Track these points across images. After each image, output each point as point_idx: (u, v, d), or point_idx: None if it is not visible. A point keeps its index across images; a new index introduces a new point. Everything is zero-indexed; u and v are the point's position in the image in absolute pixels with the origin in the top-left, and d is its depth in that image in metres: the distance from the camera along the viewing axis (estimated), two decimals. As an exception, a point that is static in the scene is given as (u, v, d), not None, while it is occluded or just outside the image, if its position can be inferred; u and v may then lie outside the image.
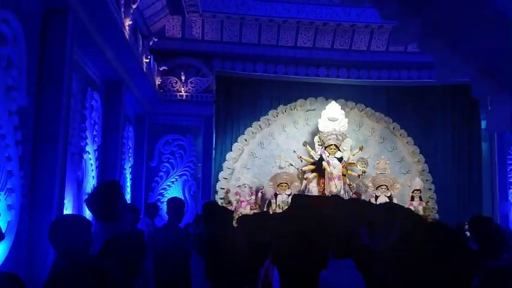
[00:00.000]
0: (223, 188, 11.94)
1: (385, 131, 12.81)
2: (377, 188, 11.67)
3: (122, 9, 7.55)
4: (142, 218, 7.98)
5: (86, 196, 3.53)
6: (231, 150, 12.26)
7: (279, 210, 10.71)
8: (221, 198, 11.77)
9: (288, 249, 2.06)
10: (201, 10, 11.06)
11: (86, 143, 7.35)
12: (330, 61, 12.27)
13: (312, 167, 11.91)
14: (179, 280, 4.80)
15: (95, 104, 7.81)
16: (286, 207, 9.52)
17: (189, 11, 11.07)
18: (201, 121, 11.63)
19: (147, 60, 9.79)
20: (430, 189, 12.50)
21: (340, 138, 11.86)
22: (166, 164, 11.48)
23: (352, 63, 12.31)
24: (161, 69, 11.31)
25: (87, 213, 4.85)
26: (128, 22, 7.82)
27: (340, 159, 11.62)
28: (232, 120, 12.48)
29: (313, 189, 11.68)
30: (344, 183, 11.54)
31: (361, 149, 12.00)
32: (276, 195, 11.49)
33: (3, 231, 4.44)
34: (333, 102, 12.25)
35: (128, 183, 10.42)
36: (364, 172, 11.95)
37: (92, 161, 7.67)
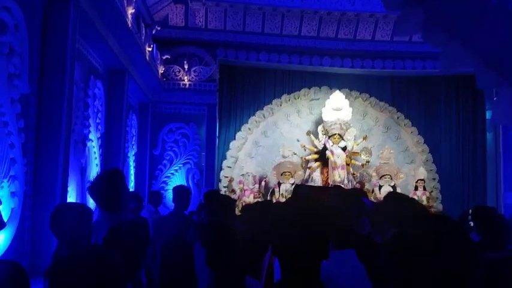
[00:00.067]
0: (226, 177, 11.95)
1: (389, 121, 12.77)
2: (381, 177, 11.65)
3: (125, -3, 7.51)
4: (146, 206, 8.00)
5: (89, 184, 3.53)
6: (235, 139, 12.25)
7: (282, 199, 10.72)
8: (225, 187, 11.80)
9: (288, 240, 2.04)
10: (204, -2, 11.00)
11: (89, 131, 7.36)
12: (334, 50, 12.19)
13: (316, 156, 11.90)
14: (183, 269, 4.81)
15: (98, 92, 7.80)
16: (290, 196, 9.53)
17: (193, 0, 11.01)
18: (205, 110, 11.61)
19: (150, 49, 9.76)
20: (434, 179, 12.48)
21: (344, 128, 11.82)
22: (170, 152, 11.49)
23: (357, 52, 12.23)
24: (164, 57, 11.28)
25: (91, 201, 4.86)
26: (130, 10, 7.78)
27: (344, 149, 11.60)
28: (236, 109, 12.45)
29: (317, 179, 11.68)
30: (348, 173, 11.52)
31: (365, 138, 11.97)
32: (279, 184, 11.50)
33: (6, 219, 4.46)
34: (337, 91, 12.20)
35: (132, 171, 10.44)
36: (368, 162, 11.93)
37: (95, 149, 7.68)
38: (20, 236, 4.77)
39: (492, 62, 2.65)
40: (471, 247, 2.19)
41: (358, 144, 11.96)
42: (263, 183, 11.68)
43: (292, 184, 11.37)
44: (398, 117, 12.75)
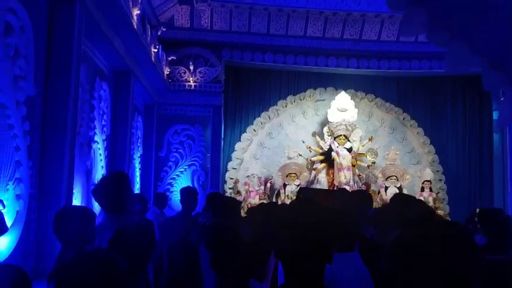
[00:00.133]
0: (232, 178, 11.95)
1: (395, 122, 12.72)
2: (387, 178, 11.61)
3: (130, -1, 7.52)
4: (151, 208, 8.01)
5: (93, 187, 3.53)
6: (240, 141, 12.24)
7: (287, 201, 10.70)
8: (230, 188, 11.80)
9: (291, 244, 2.04)
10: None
11: (95, 133, 7.37)
12: (339, 51, 12.16)
13: (321, 157, 11.87)
14: (189, 270, 4.81)
15: (104, 94, 7.82)
16: (295, 197, 9.52)
17: (198, 1, 11.02)
18: (210, 111, 11.61)
19: (156, 50, 9.77)
20: (440, 180, 12.41)
21: (350, 129, 11.79)
22: (175, 154, 11.50)
23: (362, 53, 12.19)
24: (170, 59, 11.29)
25: (96, 204, 4.86)
26: (136, 11, 7.79)
27: (349, 150, 11.57)
28: (241, 110, 12.45)
29: (322, 180, 11.65)
30: (353, 174, 11.49)
31: (370, 139, 11.93)
32: (284, 185, 11.48)
33: (12, 222, 4.47)
34: (343, 92, 12.17)
35: (137, 173, 10.46)
36: (374, 163, 11.89)
37: (101, 151, 7.69)
38: (25, 239, 4.78)
39: (496, 62, 2.62)
40: (473, 250, 2.17)
41: (363, 146, 11.92)
42: (268, 184, 11.67)
43: (298, 185, 11.36)
44: (404, 118, 12.70)
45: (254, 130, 12.32)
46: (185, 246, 5.01)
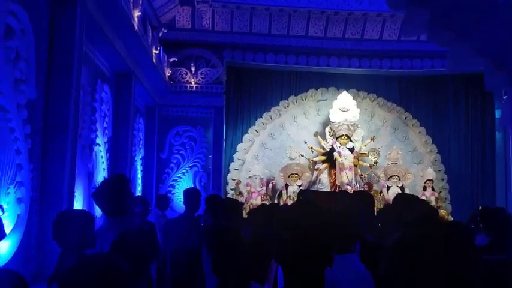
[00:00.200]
0: (234, 179, 11.93)
1: (397, 121, 12.69)
2: (389, 178, 11.58)
3: (131, 0, 7.51)
4: (153, 210, 8.00)
5: (93, 190, 3.53)
6: (242, 141, 12.23)
7: (289, 201, 10.69)
8: (232, 190, 11.79)
9: (293, 245, 2.03)
10: (210, 0, 10.99)
11: (96, 135, 7.36)
12: (341, 51, 12.14)
13: (323, 157, 11.85)
14: (192, 272, 4.80)
15: (105, 96, 7.82)
16: (296, 199, 9.50)
17: (199, 2, 11.01)
18: (212, 112, 11.60)
19: (157, 52, 9.77)
20: (442, 179, 12.38)
21: (352, 129, 11.76)
22: (177, 156, 11.49)
23: (364, 52, 12.17)
24: (171, 60, 11.29)
25: (97, 207, 4.86)
26: (137, 13, 7.79)
27: (351, 150, 11.55)
28: (243, 111, 12.44)
29: (324, 180, 11.63)
30: (355, 174, 11.47)
31: (372, 139, 11.91)
32: (286, 186, 11.46)
33: (12, 225, 4.47)
34: (345, 92, 12.14)
35: (139, 175, 10.46)
36: (376, 162, 11.86)
37: (103, 153, 7.69)
38: (27, 242, 4.77)
39: (498, 61, 2.61)
40: (473, 251, 2.16)
41: (365, 145, 11.90)
42: (270, 185, 11.65)
43: (300, 186, 11.34)
44: (406, 118, 12.67)
45: (256, 131, 12.30)
46: (188, 247, 5.01)
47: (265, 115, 12.38)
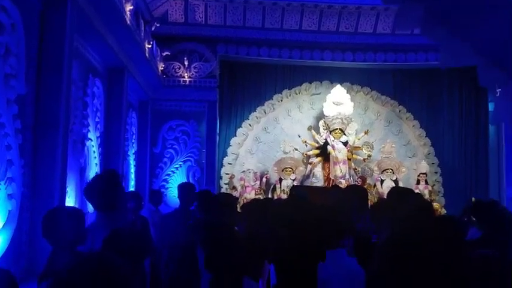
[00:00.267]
0: (227, 174, 11.91)
1: (391, 114, 12.70)
2: (382, 171, 11.61)
3: (123, -6, 7.45)
4: (146, 205, 7.98)
5: (85, 186, 3.50)
6: (235, 136, 12.21)
7: (283, 196, 10.68)
8: (226, 184, 11.77)
9: (289, 244, 2.02)
10: (203, -6, 10.93)
11: (88, 130, 7.32)
12: (335, 44, 12.11)
13: (317, 151, 11.85)
14: (187, 268, 4.79)
15: (97, 91, 7.76)
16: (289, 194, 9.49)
17: (192, -5, 10.95)
18: (205, 106, 11.56)
19: (150, 46, 9.70)
20: (436, 172, 12.42)
21: (346, 122, 11.77)
22: (170, 150, 11.45)
23: (358, 46, 12.15)
24: (164, 54, 11.23)
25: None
26: (128, 7, 7.72)
27: (345, 143, 11.55)
28: (237, 105, 12.41)
29: (318, 174, 11.64)
30: (349, 168, 11.48)
31: (366, 132, 11.92)
32: (280, 180, 11.46)
33: (3, 222, 4.44)
34: (338, 85, 12.13)
35: (132, 170, 10.42)
36: (370, 156, 11.88)
37: (95, 148, 7.64)
38: (18, 239, 4.74)
39: (495, 58, 2.60)
40: (466, 247, 2.15)
41: (359, 139, 11.91)
42: (264, 179, 11.64)
43: (294, 180, 11.35)
44: (400, 111, 12.69)
45: (250, 125, 12.28)
46: (183, 243, 5.00)
47: (258, 109, 12.35)
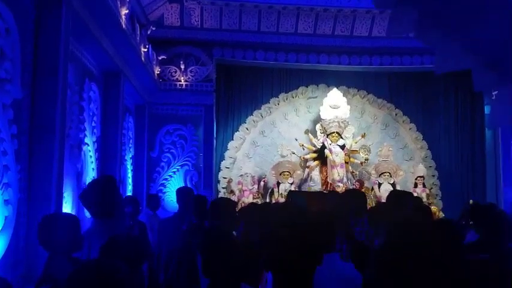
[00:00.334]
0: (225, 178, 11.89)
1: (388, 118, 12.71)
2: (380, 175, 11.60)
3: (118, -2, 7.44)
4: (144, 210, 7.94)
5: (81, 192, 3.48)
6: (233, 139, 12.19)
7: (281, 199, 10.66)
8: (223, 188, 11.74)
9: (289, 244, 2.00)
10: (199, -2, 10.93)
11: (85, 135, 7.28)
12: (331, 47, 12.12)
13: (314, 155, 11.84)
14: (187, 272, 4.76)
15: (93, 95, 7.73)
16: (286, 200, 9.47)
17: (188, -1, 10.94)
18: (202, 110, 11.54)
19: (146, 50, 9.68)
20: (433, 175, 12.43)
21: (343, 126, 11.76)
22: (168, 154, 11.41)
23: (354, 49, 12.16)
24: (160, 58, 11.20)
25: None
26: (124, 11, 7.70)
27: (342, 147, 11.54)
28: (233, 109, 12.39)
29: (316, 178, 11.63)
30: (347, 171, 11.47)
31: (363, 136, 11.91)
32: (278, 184, 11.44)
33: (1, 227, 4.40)
34: (335, 89, 12.13)
35: (129, 174, 10.38)
36: (367, 159, 11.88)
37: (92, 153, 7.61)
38: (15, 244, 4.70)
39: (491, 61, 2.58)
40: (460, 251, 2.13)
41: (356, 142, 11.90)
42: (262, 183, 11.62)
43: (291, 184, 11.33)
44: (396, 114, 12.70)
45: (247, 129, 12.26)
46: (181, 247, 4.97)
47: (255, 113, 12.34)
